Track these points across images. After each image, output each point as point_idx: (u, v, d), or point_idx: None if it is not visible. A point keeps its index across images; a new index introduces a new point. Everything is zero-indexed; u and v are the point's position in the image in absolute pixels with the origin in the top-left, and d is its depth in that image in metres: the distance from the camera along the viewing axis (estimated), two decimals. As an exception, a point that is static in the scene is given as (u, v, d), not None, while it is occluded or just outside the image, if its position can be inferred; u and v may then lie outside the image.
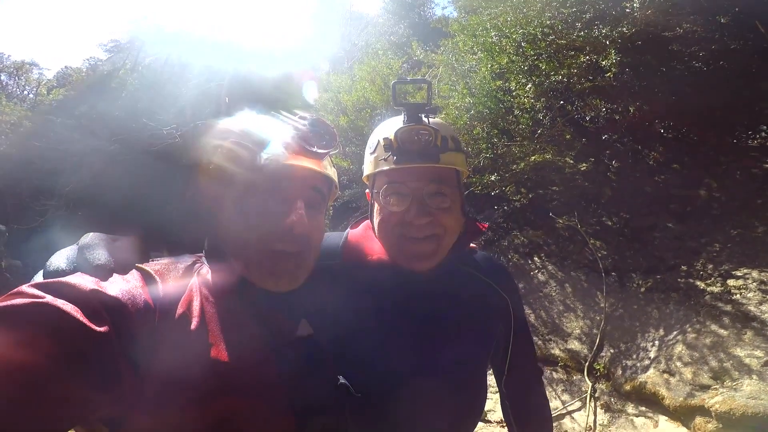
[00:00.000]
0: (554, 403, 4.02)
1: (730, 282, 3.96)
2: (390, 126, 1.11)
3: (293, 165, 0.85)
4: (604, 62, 4.61)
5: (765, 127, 4.83)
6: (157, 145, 9.50)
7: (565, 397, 4.05)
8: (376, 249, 1.17)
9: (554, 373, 4.30)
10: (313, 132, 0.89)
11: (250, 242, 0.83)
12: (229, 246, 0.86)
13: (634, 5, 4.50)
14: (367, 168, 1.16)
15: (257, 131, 0.85)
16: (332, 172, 0.96)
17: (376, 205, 1.14)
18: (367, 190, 1.21)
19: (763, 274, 3.87)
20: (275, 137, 0.85)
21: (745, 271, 3.96)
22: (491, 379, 1.36)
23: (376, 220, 1.13)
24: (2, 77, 18.25)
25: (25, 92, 18.41)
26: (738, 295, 3.82)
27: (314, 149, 0.88)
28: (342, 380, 0.94)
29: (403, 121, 1.09)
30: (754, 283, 3.83)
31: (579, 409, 3.90)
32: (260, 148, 0.83)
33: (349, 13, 15.89)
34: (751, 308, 3.65)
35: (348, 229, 1.27)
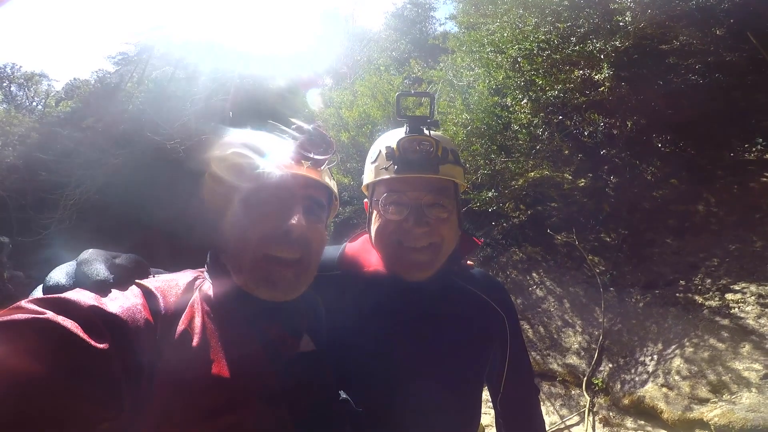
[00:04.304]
0: (552, 418, 4.02)
1: (729, 296, 3.97)
2: (392, 136, 1.15)
3: (291, 173, 0.86)
4: (597, 76, 4.65)
5: (761, 139, 4.85)
6: (162, 159, 9.56)
7: (564, 411, 4.04)
8: (373, 261, 1.19)
9: (553, 388, 4.29)
10: (310, 140, 0.91)
11: (247, 248, 0.83)
12: (228, 256, 0.86)
13: (626, 18, 4.54)
14: (368, 177, 1.18)
15: (256, 143, 0.88)
16: (332, 184, 0.99)
17: (374, 214, 1.16)
18: (365, 200, 1.24)
19: (761, 287, 3.88)
20: (274, 148, 0.88)
21: (743, 285, 3.98)
22: (486, 394, 1.35)
23: (373, 228, 1.15)
24: (12, 88, 18.31)
25: (34, 104, 18.38)
26: (736, 309, 3.83)
27: (311, 155, 0.90)
28: (343, 395, 0.96)
29: (405, 131, 1.12)
30: (753, 297, 3.84)
31: (577, 424, 3.89)
32: (259, 158, 0.86)
33: (352, 29, 16.11)
34: (750, 321, 3.67)
35: (345, 242, 1.29)
